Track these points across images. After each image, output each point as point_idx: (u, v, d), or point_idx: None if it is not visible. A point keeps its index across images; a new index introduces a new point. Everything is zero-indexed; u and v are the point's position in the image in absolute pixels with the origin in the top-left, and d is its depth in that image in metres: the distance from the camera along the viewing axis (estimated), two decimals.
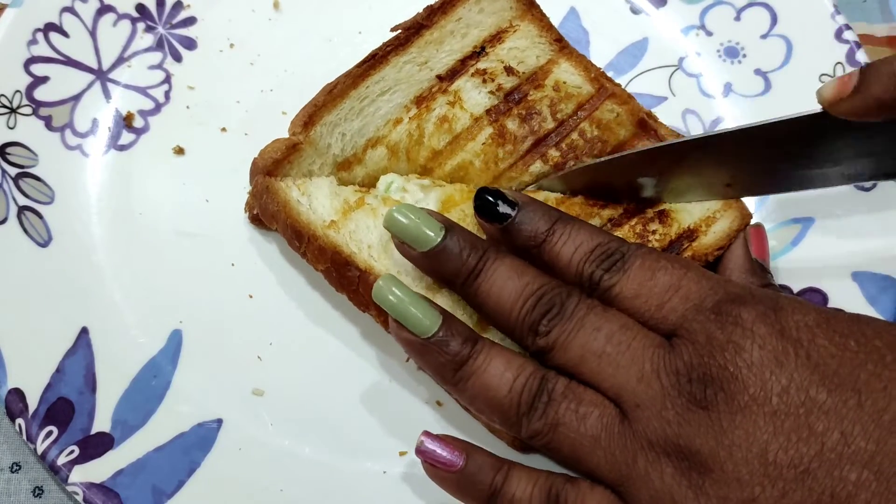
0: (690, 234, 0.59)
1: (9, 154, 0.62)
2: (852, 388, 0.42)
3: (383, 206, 0.58)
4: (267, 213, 0.59)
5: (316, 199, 0.58)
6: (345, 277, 0.56)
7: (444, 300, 0.54)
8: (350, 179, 0.60)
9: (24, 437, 0.55)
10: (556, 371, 0.49)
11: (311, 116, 0.60)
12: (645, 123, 0.62)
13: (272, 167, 0.59)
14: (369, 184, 0.60)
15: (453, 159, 0.60)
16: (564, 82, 0.62)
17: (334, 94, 0.61)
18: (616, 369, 0.47)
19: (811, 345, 0.44)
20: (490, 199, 0.53)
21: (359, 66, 0.62)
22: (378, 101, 0.61)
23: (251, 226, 0.64)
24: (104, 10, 0.68)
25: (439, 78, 0.62)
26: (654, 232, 0.58)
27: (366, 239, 0.57)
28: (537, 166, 0.60)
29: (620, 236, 0.57)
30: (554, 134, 0.61)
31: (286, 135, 0.61)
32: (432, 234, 0.51)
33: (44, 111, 0.64)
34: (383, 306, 0.50)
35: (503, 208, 0.53)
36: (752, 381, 0.43)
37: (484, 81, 0.62)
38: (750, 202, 0.66)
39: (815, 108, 0.53)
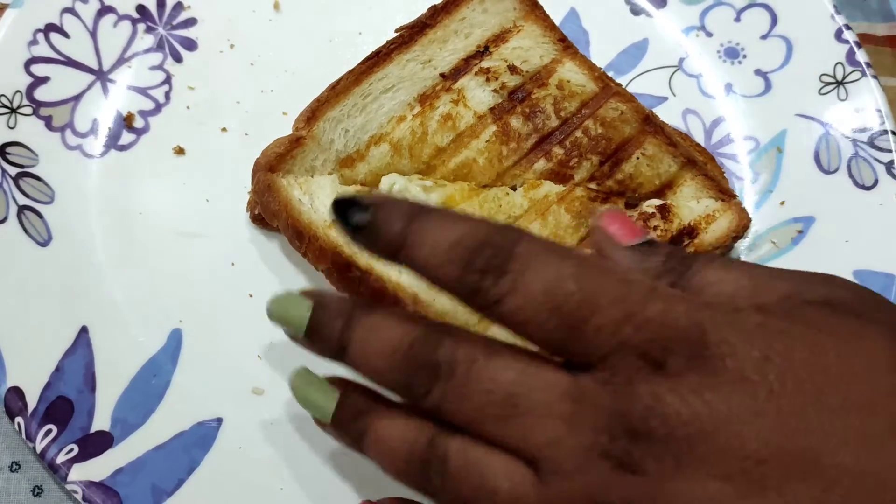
0: (691, 231, 0.59)
1: (9, 154, 0.62)
2: (804, 445, 0.35)
3: None
4: (268, 211, 0.59)
5: (318, 198, 0.58)
6: (346, 278, 0.56)
7: (447, 301, 0.54)
8: (353, 176, 0.60)
9: (24, 435, 0.54)
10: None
11: (314, 112, 0.60)
12: (650, 120, 0.62)
13: (275, 162, 0.59)
14: (372, 182, 0.60)
15: (457, 157, 0.60)
16: (568, 81, 0.62)
17: (338, 90, 0.61)
18: (522, 430, 0.38)
19: (750, 394, 0.36)
20: (342, 208, 0.41)
21: (362, 63, 0.62)
22: (381, 98, 0.61)
23: (252, 226, 0.64)
24: (105, 10, 0.68)
25: (443, 76, 0.62)
26: (654, 228, 0.58)
27: None
28: (541, 164, 0.60)
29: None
30: (558, 132, 0.61)
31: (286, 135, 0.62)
32: (299, 315, 0.44)
33: (44, 111, 0.64)
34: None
35: (357, 217, 0.41)
36: (683, 435, 0.36)
37: (488, 80, 0.62)
38: (751, 202, 0.66)
39: None
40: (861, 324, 0.39)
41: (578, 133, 0.61)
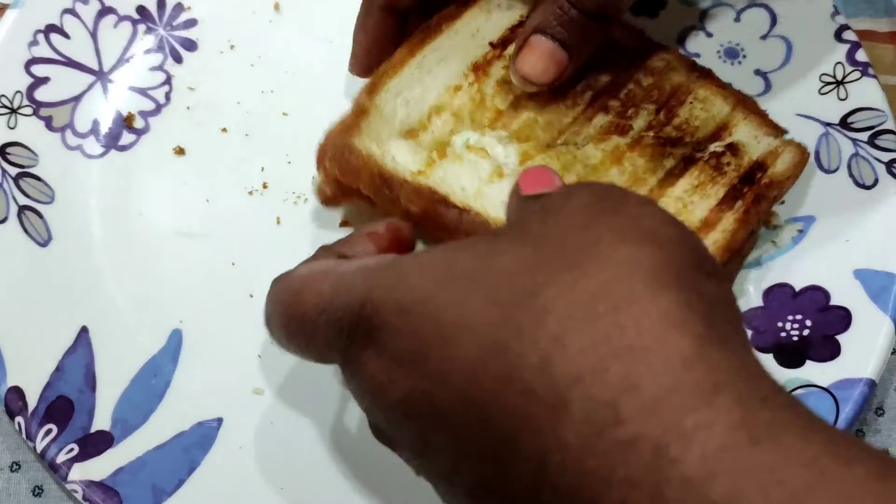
0: (761, 165, 0.59)
1: (9, 154, 0.62)
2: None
3: (468, 152, 0.58)
4: (349, 169, 0.58)
5: (398, 154, 0.58)
6: (443, 219, 0.56)
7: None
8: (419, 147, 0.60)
9: (24, 435, 0.55)
10: None
11: (374, 84, 0.60)
12: (697, 66, 0.63)
13: (345, 132, 0.58)
14: (439, 149, 0.60)
15: (518, 118, 0.61)
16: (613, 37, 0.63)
17: (394, 62, 0.61)
18: None
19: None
20: None
21: (414, 36, 0.62)
22: (436, 69, 0.61)
23: (251, 225, 0.64)
24: (105, 11, 0.68)
25: (492, 45, 0.63)
26: (728, 164, 0.59)
27: (457, 184, 0.57)
28: (600, 118, 0.61)
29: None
30: (610, 85, 0.62)
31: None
32: None
33: (44, 112, 0.64)
34: None
35: None
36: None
37: None
38: None
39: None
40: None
41: (631, 85, 0.62)
